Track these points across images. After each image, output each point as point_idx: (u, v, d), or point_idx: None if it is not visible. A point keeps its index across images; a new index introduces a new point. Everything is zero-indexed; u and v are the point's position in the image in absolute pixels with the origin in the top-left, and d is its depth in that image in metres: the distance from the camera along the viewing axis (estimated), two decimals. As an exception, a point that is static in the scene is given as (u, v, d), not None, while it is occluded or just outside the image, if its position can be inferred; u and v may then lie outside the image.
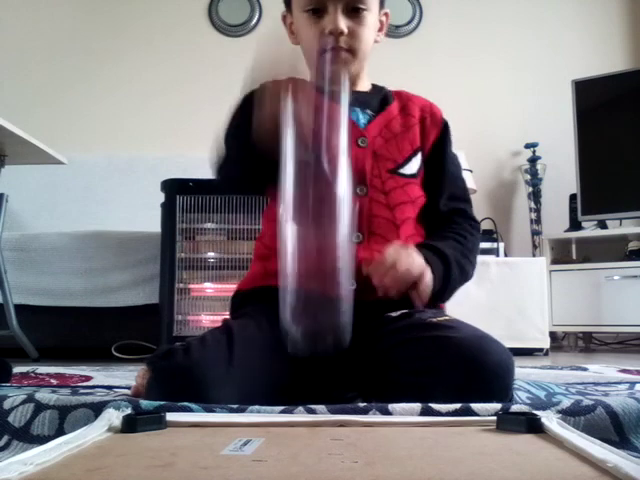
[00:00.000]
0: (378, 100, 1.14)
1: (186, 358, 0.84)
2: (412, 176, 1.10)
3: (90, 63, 3.41)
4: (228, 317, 1.09)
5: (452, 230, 1.10)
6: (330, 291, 0.83)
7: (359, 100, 1.10)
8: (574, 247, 3.15)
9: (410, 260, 0.94)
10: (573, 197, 3.08)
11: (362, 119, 1.10)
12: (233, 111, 1.05)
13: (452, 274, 1.01)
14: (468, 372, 0.81)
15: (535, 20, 3.52)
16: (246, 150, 0.95)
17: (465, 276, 1.07)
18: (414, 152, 1.11)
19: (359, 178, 1.01)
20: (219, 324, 0.99)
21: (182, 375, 0.81)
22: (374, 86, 1.17)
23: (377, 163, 1.07)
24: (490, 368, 0.82)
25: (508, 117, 3.41)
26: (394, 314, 0.97)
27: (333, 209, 0.82)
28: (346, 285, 0.84)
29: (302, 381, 0.92)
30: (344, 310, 0.83)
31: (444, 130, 1.15)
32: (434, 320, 0.94)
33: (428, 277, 0.95)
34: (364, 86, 1.15)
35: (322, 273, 0.83)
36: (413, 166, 1.10)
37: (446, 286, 1.01)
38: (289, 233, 0.81)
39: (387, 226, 1.04)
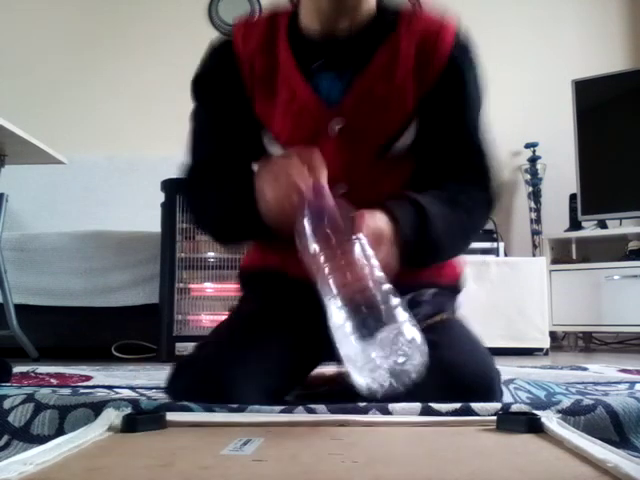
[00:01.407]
0: (370, 43, 0.90)
1: (198, 365, 0.84)
2: (406, 152, 0.91)
3: (90, 63, 3.41)
4: (235, 309, 1.05)
5: (450, 190, 0.89)
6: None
7: (339, 55, 0.90)
8: (574, 247, 3.15)
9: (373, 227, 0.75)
10: (573, 197, 3.08)
11: (337, 88, 0.89)
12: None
13: (432, 228, 0.81)
14: (446, 396, 0.74)
15: (535, 20, 3.52)
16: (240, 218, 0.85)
17: (461, 235, 0.90)
18: (407, 120, 0.90)
19: (335, 173, 0.78)
20: (224, 321, 0.98)
21: (203, 382, 0.80)
22: (380, 11, 0.93)
23: (358, 148, 0.89)
24: (468, 392, 0.75)
25: (508, 117, 3.41)
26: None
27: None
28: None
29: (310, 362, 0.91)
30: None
31: (452, 65, 0.89)
32: (423, 325, 0.86)
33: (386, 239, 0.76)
34: (364, 14, 0.91)
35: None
36: (406, 138, 0.90)
37: (426, 244, 0.82)
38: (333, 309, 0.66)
39: None
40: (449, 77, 0.90)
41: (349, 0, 0.89)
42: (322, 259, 0.68)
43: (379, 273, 0.67)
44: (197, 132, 0.98)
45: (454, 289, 1.01)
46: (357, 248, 0.69)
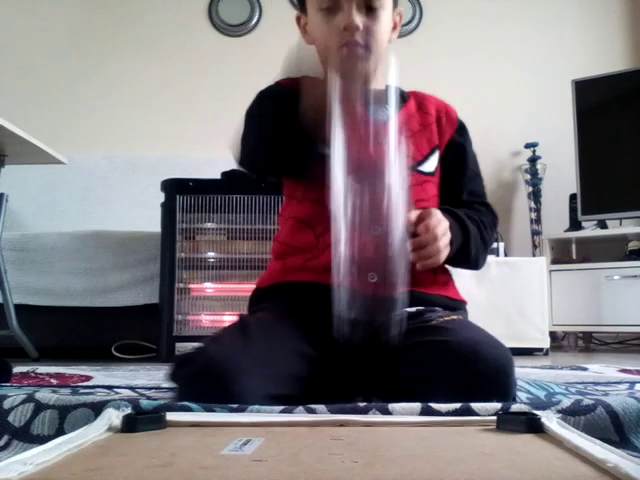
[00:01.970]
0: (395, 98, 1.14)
1: (203, 357, 0.84)
2: (430, 174, 1.11)
3: (90, 63, 3.41)
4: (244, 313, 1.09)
5: (471, 210, 1.13)
6: (384, 269, 0.87)
7: (378, 97, 1.09)
8: (574, 247, 3.15)
9: (443, 228, 0.98)
10: (573, 197, 3.08)
11: (382, 116, 1.09)
12: (262, 97, 1.08)
13: (471, 239, 1.05)
14: (464, 378, 0.81)
15: (535, 20, 3.52)
16: (285, 130, 0.97)
17: (484, 247, 1.11)
18: (432, 150, 1.12)
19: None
20: (228, 322, 1.01)
21: (208, 372, 0.81)
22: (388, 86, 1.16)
23: None
24: (486, 373, 0.81)
25: (508, 117, 3.41)
26: (409, 310, 0.96)
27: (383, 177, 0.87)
28: (401, 279, 0.87)
29: (319, 373, 0.92)
30: (398, 308, 0.86)
31: (460, 129, 1.17)
32: (435, 322, 0.94)
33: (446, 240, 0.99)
34: (380, 85, 1.13)
35: (379, 256, 0.88)
36: (431, 164, 1.12)
37: (465, 251, 1.05)
38: (342, 191, 0.84)
39: None
40: (459, 137, 1.17)
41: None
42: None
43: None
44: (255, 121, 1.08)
45: (461, 303, 1.11)
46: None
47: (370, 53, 1.05)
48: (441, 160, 1.14)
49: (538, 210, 3.28)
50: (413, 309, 0.98)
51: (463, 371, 0.82)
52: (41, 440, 0.67)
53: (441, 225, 0.98)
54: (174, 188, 2.33)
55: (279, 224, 1.18)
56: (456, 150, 1.16)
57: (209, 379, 0.80)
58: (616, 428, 0.68)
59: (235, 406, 0.71)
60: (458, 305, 1.09)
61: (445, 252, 0.98)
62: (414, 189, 1.06)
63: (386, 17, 1.07)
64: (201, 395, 0.76)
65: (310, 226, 1.04)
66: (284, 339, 0.92)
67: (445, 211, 1.03)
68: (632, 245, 2.92)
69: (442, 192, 1.14)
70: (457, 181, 1.15)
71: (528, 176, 3.29)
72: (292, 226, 1.09)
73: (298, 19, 1.15)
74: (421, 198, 1.07)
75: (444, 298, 1.06)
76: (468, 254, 1.06)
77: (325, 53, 1.07)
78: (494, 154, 3.35)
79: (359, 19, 1.02)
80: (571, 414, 0.68)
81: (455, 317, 0.98)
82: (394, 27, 1.12)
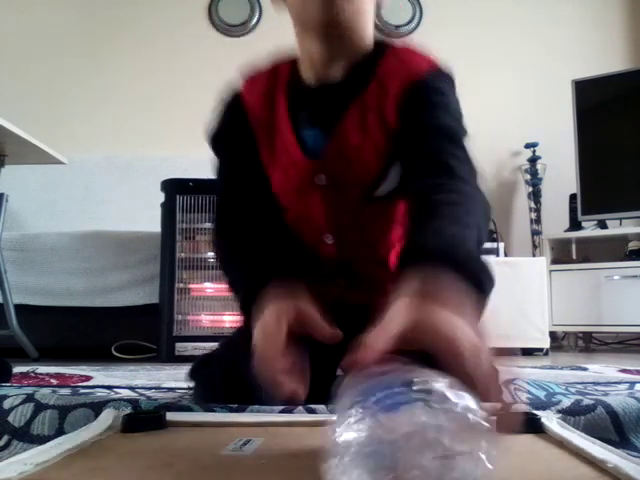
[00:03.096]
0: (349, 93, 0.89)
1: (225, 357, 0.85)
2: (391, 193, 0.89)
3: (90, 63, 3.41)
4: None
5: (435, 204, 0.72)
6: None
7: (322, 105, 0.90)
8: (574, 247, 3.15)
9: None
10: (573, 197, 3.08)
11: (321, 141, 0.90)
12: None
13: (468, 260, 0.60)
14: None
15: (535, 20, 3.52)
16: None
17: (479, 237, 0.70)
18: (385, 166, 0.88)
19: (322, 223, 0.90)
20: (231, 324, 1.00)
21: (230, 375, 0.81)
22: (376, 47, 0.92)
23: (343, 197, 0.90)
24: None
25: (508, 117, 3.41)
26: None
27: None
28: None
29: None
30: None
31: (415, 92, 0.86)
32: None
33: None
34: (359, 55, 0.90)
35: None
36: (388, 184, 0.89)
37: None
38: None
39: (371, 265, 0.93)
40: (413, 101, 0.85)
41: (341, 50, 0.89)
42: None
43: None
44: (225, 188, 1.00)
45: None
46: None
47: (349, 1, 0.85)
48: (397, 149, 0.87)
49: (538, 210, 3.28)
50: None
51: None
52: (41, 440, 0.67)
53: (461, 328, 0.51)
54: (174, 188, 2.33)
55: None
56: (407, 123, 0.85)
57: (231, 381, 0.79)
58: (616, 428, 0.67)
59: (235, 406, 0.71)
60: None
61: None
62: (373, 223, 0.91)
63: None
64: (220, 397, 0.76)
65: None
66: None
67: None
68: (632, 245, 2.92)
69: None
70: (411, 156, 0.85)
71: (528, 176, 3.29)
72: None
73: None
74: (384, 229, 0.91)
75: None
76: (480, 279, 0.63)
77: (298, 7, 0.88)
78: (494, 154, 3.36)
79: None
80: (571, 414, 0.68)
81: None
82: None
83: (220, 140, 1.00)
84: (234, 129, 0.97)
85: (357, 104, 0.89)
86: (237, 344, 0.91)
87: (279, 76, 0.96)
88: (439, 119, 0.84)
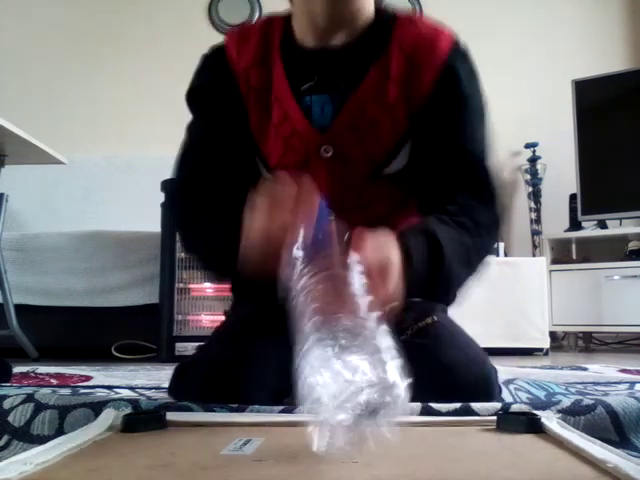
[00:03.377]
0: (362, 59, 0.86)
1: (203, 366, 0.83)
2: (400, 172, 0.87)
3: (90, 63, 3.41)
4: (228, 312, 1.07)
5: (451, 213, 0.81)
6: None
7: (332, 72, 0.86)
8: (574, 247, 3.15)
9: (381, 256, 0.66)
10: (573, 197, 3.08)
11: (328, 110, 0.86)
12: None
13: (445, 265, 0.75)
14: (445, 393, 0.73)
15: (535, 20, 3.52)
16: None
17: (474, 265, 0.82)
18: (399, 143, 0.86)
19: (325, 198, 0.75)
20: (223, 323, 0.98)
21: (214, 378, 0.80)
22: (377, 20, 0.89)
23: (349, 172, 0.86)
24: (463, 396, 0.72)
25: (508, 117, 3.41)
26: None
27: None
28: None
29: None
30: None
31: (447, 75, 0.84)
32: (407, 335, 0.82)
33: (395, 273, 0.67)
34: (361, 24, 0.88)
35: None
36: (398, 162, 0.87)
37: (440, 279, 0.76)
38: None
39: None
40: (443, 89, 0.84)
41: (346, 13, 0.85)
42: (307, 290, 0.57)
43: (367, 309, 0.56)
44: (190, 145, 0.94)
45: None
46: (350, 278, 0.58)
47: None
48: (416, 135, 0.86)
49: (538, 210, 3.28)
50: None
51: (441, 394, 0.71)
52: (41, 440, 0.67)
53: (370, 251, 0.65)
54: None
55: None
56: (437, 113, 0.84)
57: (211, 390, 0.78)
58: (616, 428, 0.67)
59: (235, 406, 0.71)
60: (434, 306, 0.91)
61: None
62: (378, 203, 0.88)
63: None
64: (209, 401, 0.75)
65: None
66: (273, 335, 0.84)
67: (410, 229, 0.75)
68: (632, 245, 2.92)
69: (419, 179, 0.88)
70: (439, 168, 0.85)
71: (528, 176, 3.29)
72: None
73: None
74: (387, 211, 0.88)
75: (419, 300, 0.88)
76: (446, 287, 0.79)
77: None
78: (494, 154, 3.35)
79: None
80: (571, 414, 0.68)
81: (430, 320, 0.85)
82: None
83: (199, 97, 0.94)
84: (216, 89, 0.91)
85: (377, 68, 0.85)
86: (214, 345, 0.90)
87: (272, 37, 0.90)
88: (471, 142, 0.85)
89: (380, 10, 0.90)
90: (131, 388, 1.29)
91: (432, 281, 0.75)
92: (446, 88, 0.84)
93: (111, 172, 3.17)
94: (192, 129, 0.95)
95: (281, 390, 0.82)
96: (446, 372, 0.77)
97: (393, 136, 0.85)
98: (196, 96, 0.94)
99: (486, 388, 0.80)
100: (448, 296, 0.84)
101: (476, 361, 0.81)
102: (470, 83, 0.87)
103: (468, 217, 0.81)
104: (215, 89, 0.91)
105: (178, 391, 0.85)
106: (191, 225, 0.89)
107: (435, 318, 0.86)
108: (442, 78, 0.84)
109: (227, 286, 1.06)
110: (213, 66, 0.93)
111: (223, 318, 1.04)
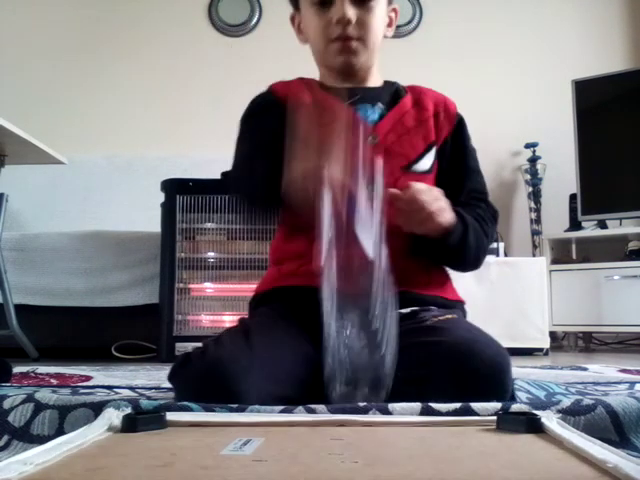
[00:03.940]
0: (390, 94, 1.12)
1: (206, 358, 0.84)
2: (426, 172, 1.08)
3: (90, 63, 3.41)
4: (245, 317, 1.10)
5: (471, 210, 1.08)
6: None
7: (369, 95, 1.10)
8: (574, 247, 3.15)
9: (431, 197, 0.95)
10: (573, 197, 3.08)
11: (372, 115, 1.08)
12: (249, 117, 1.10)
13: (469, 235, 1.01)
14: (460, 378, 0.81)
15: (535, 20, 3.52)
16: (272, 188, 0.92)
17: (479, 249, 1.05)
18: (428, 147, 1.09)
19: (369, 177, 1.00)
20: (231, 324, 1.01)
21: (209, 374, 0.81)
22: (386, 82, 1.16)
23: (389, 160, 1.01)
24: (482, 372, 0.81)
25: (508, 117, 3.41)
26: (403, 311, 0.95)
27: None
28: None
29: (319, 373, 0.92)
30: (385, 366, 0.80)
31: (459, 125, 1.13)
32: (429, 322, 0.93)
33: (448, 216, 0.97)
34: (376, 81, 1.14)
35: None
36: (427, 162, 1.09)
37: (462, 244, 1.00)
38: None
39: (395, 235, 1.00)
40: (457, 133, 1.13)
41: (355, 81, 1.10)
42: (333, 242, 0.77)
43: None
44: (243, 147, 1.08)
45: (458, 302, 1.09)
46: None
47: (364, 47, 1.06)
48: (438, 156, 1.11)
49: (538, 210, 3.28)
50: (407, 310, 0.97)
51: (459, 371, 0.81)
52: (41, 440, 0.67)
53: (429, 192, 0.95)
54: (174, 188, 2.33)
55: (277, 229, 1.19)
56: (454, 147, 1.13)
57: (211, 381, 0.80)
58: (616, 428, 0.67)
59: (235, 406, 0.71)
60: (454, 305, 1.06)
61: (443, 216, 0.96)
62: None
63: (380, 10, 1.07)
64: (201, 396, 0.75)
65: (303, 231, 1.01)
66: (284, 340, 0.92)
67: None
68: (632, 245, 2.92)
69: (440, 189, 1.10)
70: (455, 179, 1.11)
71: (528, 176, 3.29)
72: (286, 232, 1.10)
73: (292, 18, 1.15)
74: None
75: (439, 298, 1.04)
76: (467, 246, 1.01)
77: (319, 48, 1.08)
78: (494, 154, 3.35)
79: (352, 12, 1.03)
80: (571, 414, 0.68)
81: (450, 316, 0.97)
82: (389, 24, 1.12)
83: (249, 119, 1.10)
84: (265, 113, 1.07)
85: (410, 97, 1.13)
86: (223, 339, 0.92)
87: (309, 81, 1.14)
88: (477, 166, 1.16)
89: (387, 81, 1.16)
90: (131, 388, 1.28)
91: (459, 238, 1.00)
92: (457, 135, 1.13)
93: (111, 172, 3.17)
94: (242, 136, 1.10)
95: (285, 397, 0.82)
96: (464, 350, 0.83)
97: (423, 142, 1.09)
98: (247, 119, 1.10)
99: (502, 370, 0.84)
100: (458, 258, 1.05)
101: (493, 342, 0.88)
102: (468, 138, 1.16)
103: (478, 210, 1.09)
104: (266, 111, 1.08)
105: (179, 378, 0.87)
106: (242, 169, 1.06)
107: (454, 315, 0.98)
108: (456, 128, 1.13)
109: (251, 292, 1.15)
110: (262, 101, 1.12)
111: (232, 319, 1.06)
